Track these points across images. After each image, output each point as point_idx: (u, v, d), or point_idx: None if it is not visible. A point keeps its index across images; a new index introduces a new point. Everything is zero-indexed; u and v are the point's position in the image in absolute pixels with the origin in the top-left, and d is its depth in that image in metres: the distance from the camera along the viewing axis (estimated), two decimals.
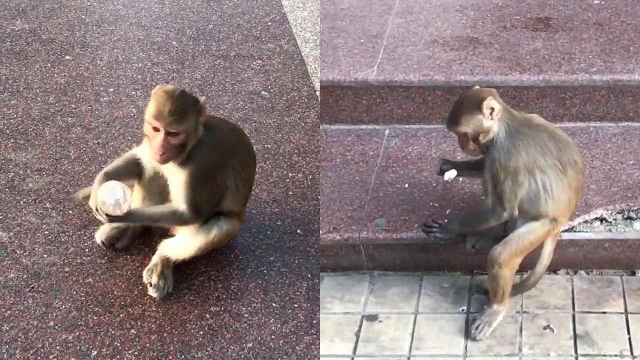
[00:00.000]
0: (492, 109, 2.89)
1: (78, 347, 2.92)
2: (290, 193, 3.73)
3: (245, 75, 4.67)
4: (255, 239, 3.45)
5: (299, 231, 3.49)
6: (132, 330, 3.00)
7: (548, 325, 3.13)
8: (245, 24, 5.27)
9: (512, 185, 2.93)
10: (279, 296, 3.18)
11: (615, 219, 3.36)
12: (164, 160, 2.93)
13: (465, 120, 2.92)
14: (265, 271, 3.29)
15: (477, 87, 3.07)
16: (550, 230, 3.04)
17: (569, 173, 2.96)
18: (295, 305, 3.14)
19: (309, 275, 3.27)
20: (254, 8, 5.46)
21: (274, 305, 3.14)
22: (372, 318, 3.25)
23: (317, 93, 4.52)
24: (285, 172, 3.87)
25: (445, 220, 3.24)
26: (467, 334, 3.11)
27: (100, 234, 3.34)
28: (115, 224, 3.29)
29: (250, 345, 2.95)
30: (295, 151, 4.03)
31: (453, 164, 3.22)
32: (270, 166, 3.90)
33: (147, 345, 2.94)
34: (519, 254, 3.03)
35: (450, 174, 3.17)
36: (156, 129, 2.88)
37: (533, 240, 3.03)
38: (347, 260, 3.45)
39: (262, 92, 4.52)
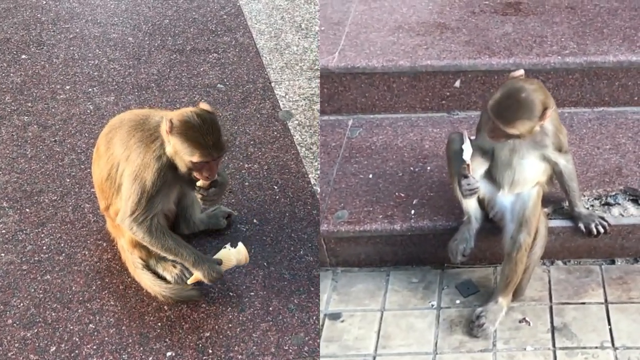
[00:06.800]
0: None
1: (37, 344, 2.95)
2: (247, 184, 3.77)
3: (201, 69, 4.70)
4: (212, 230, 3.48)
5: (255, 221, 3.53)
6: (90, 325, 3.03)
7: (524, 319, 3.02)
8: (200, 17, 5.28)
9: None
10: (236, 285, 3.22)
11: (592, 205, 3.24)
12: None
13: (521, 124, 2.78)
14: None
15: (522, 76, 2.87)
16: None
17: None
18: (252, 293, 3.18)
19: (265, 264, 3.32)
20: (209, 2, 5.48)
21: (230, 294, 3.18)
22: (335, 317, 3.16)
23: (272, 84, 4.56)
24: (241, 163, 3.91)
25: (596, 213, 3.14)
26: (470, 332, 2.98)
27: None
28: None
29: (208, 334, 3.00)
30: (251, 142, 4.07)
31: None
32: (226, 158, 3.93)
33: (106, 339, 2.98)
34: (534, 230, 2.97)
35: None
36: None
37: (539, 208, 2.99)
38: None
39: (218, 85, 4.55)
